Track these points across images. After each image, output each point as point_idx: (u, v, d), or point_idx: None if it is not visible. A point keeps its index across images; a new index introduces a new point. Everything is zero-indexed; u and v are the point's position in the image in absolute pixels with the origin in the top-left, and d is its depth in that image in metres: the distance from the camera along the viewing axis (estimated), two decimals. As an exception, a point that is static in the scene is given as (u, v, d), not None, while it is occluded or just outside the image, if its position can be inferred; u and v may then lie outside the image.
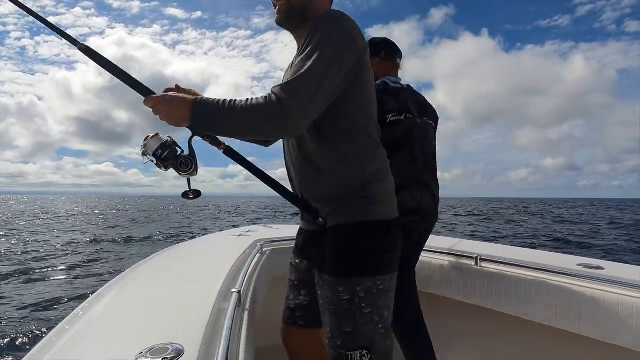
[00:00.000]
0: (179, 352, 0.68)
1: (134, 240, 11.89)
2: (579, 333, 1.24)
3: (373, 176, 0.93)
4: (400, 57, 1.58)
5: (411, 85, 1.55)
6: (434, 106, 1.57)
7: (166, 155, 0.91)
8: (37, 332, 3.88)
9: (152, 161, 0.94)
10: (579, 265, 1.33)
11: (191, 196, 0.96)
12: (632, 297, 1.14)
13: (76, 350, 0.75)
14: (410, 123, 1.42)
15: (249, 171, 1.01)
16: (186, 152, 0.92)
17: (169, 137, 0.94)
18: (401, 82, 1.54)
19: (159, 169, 0.94)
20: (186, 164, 0.91)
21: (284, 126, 0.82)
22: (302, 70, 0.82)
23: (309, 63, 0.82)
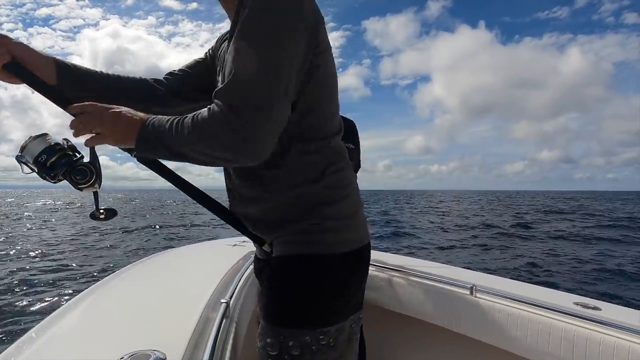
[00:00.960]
0: None
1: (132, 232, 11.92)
2: None
3: (327, 195, 0.71)
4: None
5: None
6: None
7: (54, 162, 0.69)
8: (16, 330, 3.80)
9: (33, 170, 0.71)
10: (575, 304, 1.31)
11: (102, 216, 0.75)
12: (628, 342, 1.12)
13: (55, 349, 0.72)
14: None
15: (173, 183, 0.77)
16: (87, 159, 0.72)
17: (64, 139, 0.74)
18: None
19: (46, 181, 0.71)
20: (84, 174, 0.69)
21: (243, 150, 0.60)
22: (243, 62, 0.60)
23: (251, 50, 0.59)
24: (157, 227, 14.48)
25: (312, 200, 0.70)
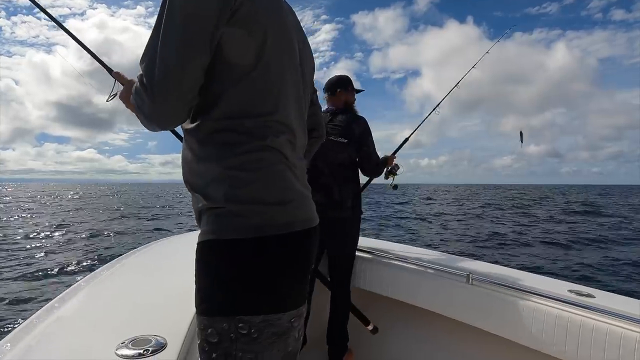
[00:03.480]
0: (161, 345, 0.67)
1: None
2: (565, 359, 1.25)
3: (236, 177, 0.66)
4: (336, 89, 2.00)
5: (339, 110, 1.97)
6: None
7: None
8: (15, 317, 3.81)
9: None
10: (570, 291, 1.34)
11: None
12: (621, 328, 1.15)
13: (56, 335, 0.73)
14: None
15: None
16: None
17: None
18: (327, 111, 1.98)
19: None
20: None
21: (152, 118, 0.68)
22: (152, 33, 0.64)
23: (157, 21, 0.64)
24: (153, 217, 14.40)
25: (226, 182, 0.66)
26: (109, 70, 1.10)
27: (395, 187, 2.12)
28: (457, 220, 15.23)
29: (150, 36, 0.64)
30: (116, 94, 0.92)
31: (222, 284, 0.65)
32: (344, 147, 1.88)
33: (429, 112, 2.37)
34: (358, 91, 2.09)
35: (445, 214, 18.27)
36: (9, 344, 0.68)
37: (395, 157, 2.14)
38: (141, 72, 0.65)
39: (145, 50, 0.65)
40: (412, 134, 2.32)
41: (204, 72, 0.66)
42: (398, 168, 2.10)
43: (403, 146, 2.25)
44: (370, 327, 1.83)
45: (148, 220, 14.50)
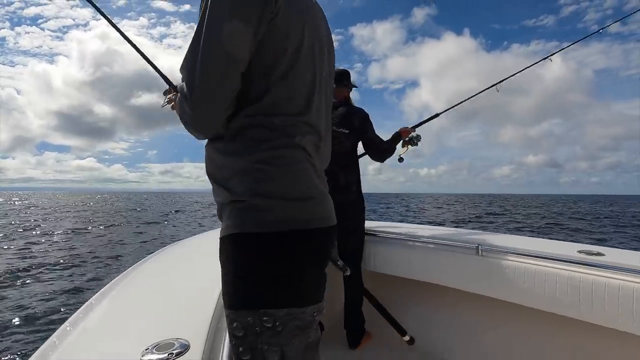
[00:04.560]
0: (185, 348, 0.68)
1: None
2: (580, 319, 1.26)
3: (261, 171, 0.67)
4: (338, 83, 2.05)
5: (339, 103, 2.04)
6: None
7: None
8: (41, 331, 3.81)
9: None
10: (579, 252, 1.35)
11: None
12: (633, 282, 1.16)
13: (83, 347, 0.74)
14: None
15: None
16: None
17: None
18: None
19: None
20: None
21: (193, 126, 0.70)
22: (193, 40, 0.65)
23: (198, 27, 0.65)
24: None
25: (248, 178, 0.67)
26: (169, 82, 1.29)
27: (401, 159, 2.15)
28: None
29: (191, 42, 0.65)
30: (170, 101, 0.94)
31: (245, 278, 0.65)
32: (347, 136, 1.98)
33: (487, 87, 2.40)
34: (354, 86, 2.17)
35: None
36: None
37: (413, 130, 2.20)
38: (182, 81, 0.67)
39: (185, 56, 0.65)
40: (446, 111, 2.42)
41: (242, 78, 0.67)
42: (419, 139, 2.16)
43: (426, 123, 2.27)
44: (406, 338, 1.82)
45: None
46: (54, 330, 0.82)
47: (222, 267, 0.68)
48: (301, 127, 0.73)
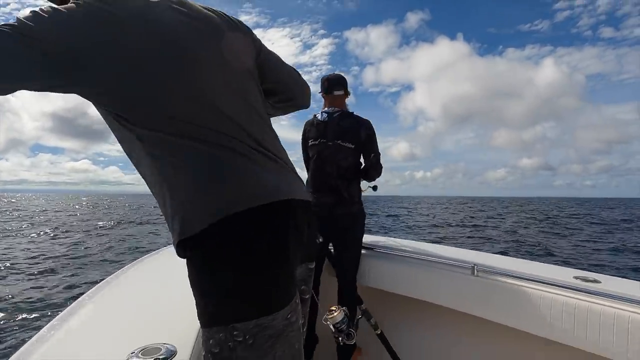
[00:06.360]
0: (172, 353, 0.67)
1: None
2: (574, 346, 1.25)
3: (173, 187, 0.65)
4: (339, 89, 2.00)
5: (344, 112, 1.98)
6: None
7: None
8: (27, 330, 3.77)
9: None
10: (575, 278, 1.34)
11: None
12: (628, 312, 1.15)
13: (68, 347, 0.73)
14: (321, 146, 1.94)
15: None
16: None
17: None
18: (333, 112, 1.97)
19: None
20: None
21: None
22: None
23: None
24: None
25: (163, 187, 0.66)
26: None
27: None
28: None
29: None
30: None
31: (210, 295, 0.63)
32: (351, 152, 1.96)
33: None
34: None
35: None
36: None
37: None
38: None
39: None
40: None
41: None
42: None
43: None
44: None
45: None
46: (41, 328, 0.80)
47: (190, 278, 0.66)
48: (193, 130, 0.66)
